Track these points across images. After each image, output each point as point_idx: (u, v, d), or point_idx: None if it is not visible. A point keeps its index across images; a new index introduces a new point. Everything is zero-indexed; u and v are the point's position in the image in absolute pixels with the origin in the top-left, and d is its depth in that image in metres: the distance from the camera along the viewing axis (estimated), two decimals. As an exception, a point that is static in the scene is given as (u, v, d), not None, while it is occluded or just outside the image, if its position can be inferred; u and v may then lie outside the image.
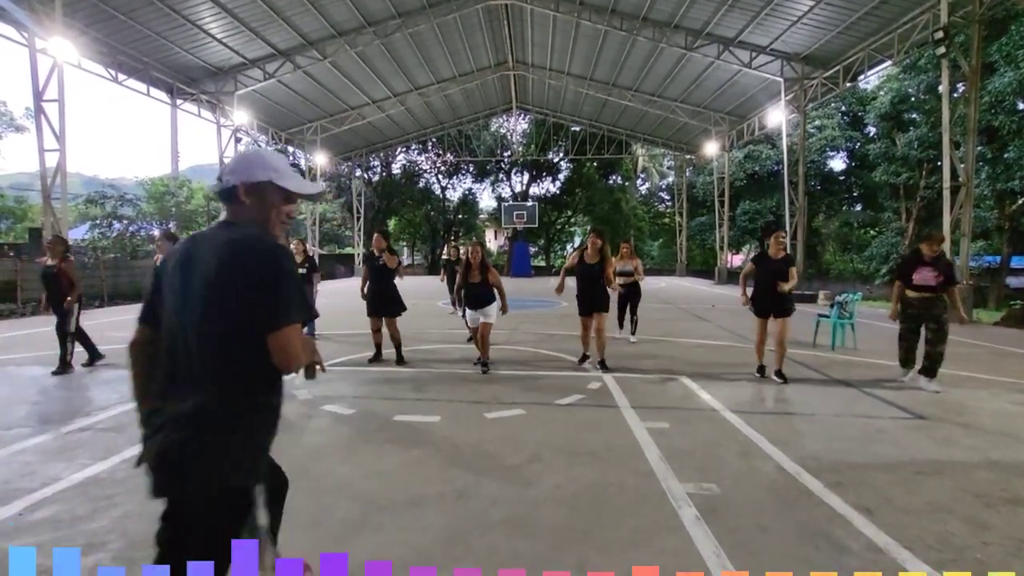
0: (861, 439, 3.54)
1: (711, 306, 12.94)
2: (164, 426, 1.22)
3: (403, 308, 5.88)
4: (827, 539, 2.27)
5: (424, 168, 36.29)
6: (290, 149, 24.51)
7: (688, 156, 27.95)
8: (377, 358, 5.89)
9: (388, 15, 16.23)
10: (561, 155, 33.36)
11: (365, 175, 32.63)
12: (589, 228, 7.05)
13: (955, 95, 12.16)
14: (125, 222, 17.40)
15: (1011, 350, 7.11)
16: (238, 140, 19.15)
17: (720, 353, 6.69)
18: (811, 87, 16.33)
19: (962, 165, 10.86)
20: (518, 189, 36.57)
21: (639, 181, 40.14)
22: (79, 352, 5.71)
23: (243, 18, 14.28)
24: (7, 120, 22.79)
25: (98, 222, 16.79)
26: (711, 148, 23.34)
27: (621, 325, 7.59)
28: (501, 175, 36.80)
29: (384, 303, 5.78)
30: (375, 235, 6.06)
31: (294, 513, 2.48)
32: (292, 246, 7.45)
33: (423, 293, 15.70)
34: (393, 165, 35.52)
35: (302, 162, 25.14)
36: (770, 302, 5.04)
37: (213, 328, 1.24)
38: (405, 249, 41.93)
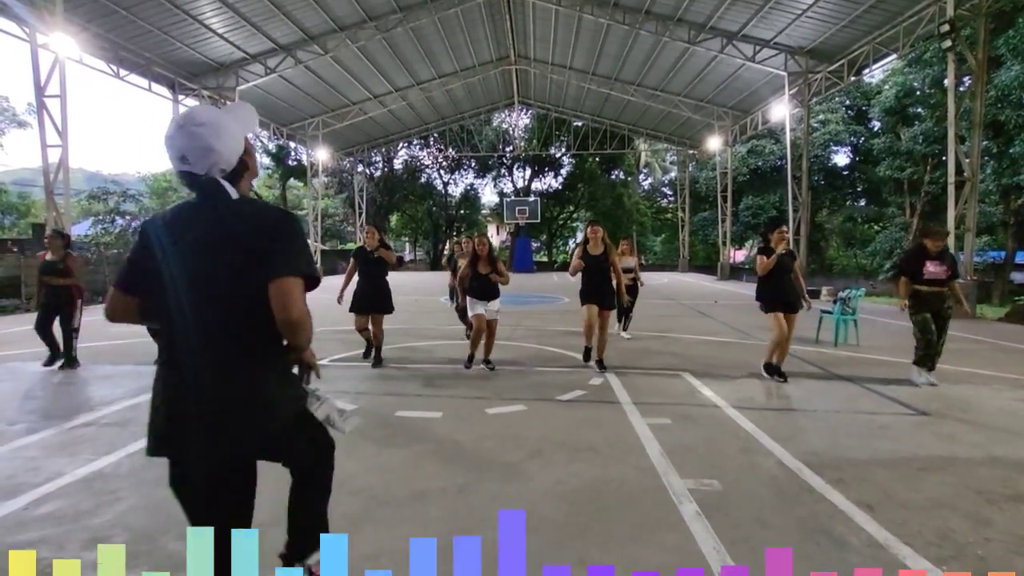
0: (863, 435, 3.53)
1: (714, 302, 12.92)
2: (219, 392, 1.31)
3: (393, 307, 5.74)
4: (828, 535, 2.27)
5: (426, 163, 36.27)
6: (292, 144, 24.49)
7: (691, 151, 27.83)
8: (370, 352, 5.70)
9: (389, 9, 16.16)
10: (563, 150, 33.30)
11: (367, 170, 32.61)
12: (586, 222, 6.82)
13: (961, 89, 12.05)
14: (128, 218, 17.47)
15: (1015, 346, 7.08)
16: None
17: (722, 349, 6.68)
18: (815, 81, 16.21)
19: (967, 160, 10.79)
20: (520, 184, 36.52)
21: (641, 176, 40.04)
22: (44, 349, 5.52)
23: (244, 13, 14.24)
24: (9, 116, 22.85)
25: (101, 218, 16.86)
26: (714, 143, 23.23)
27: (620, 322, 7.51)
28: (503, 170, 36.75)
29: (379, 299, 5.57)
30: (368, 228, 5.84)
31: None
32: None
33: (424, 290, 15.72)
34: (395, 160, 35.49)
35: (304, 158, 25.13)
36: (783, 296, 4.87)
37: (252, 287, 1.30)
38: (407, 245, 41.95)
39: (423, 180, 36.57)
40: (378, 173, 34.54)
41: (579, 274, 5.32)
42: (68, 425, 3.71)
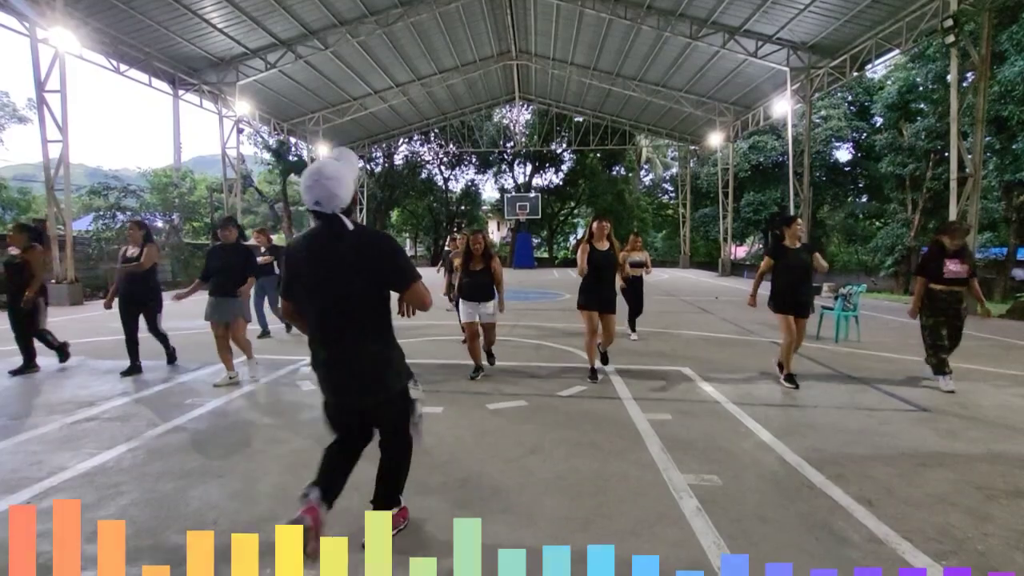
0: (864, 431, 3.53)
1: (715, 298, 12.91)
2: (350, 362, 1.92)
3: None
4: (828, 530, 2.28)
5: (427, 159, 36.15)
6: (292, 140, 24.43)
7: (692, 147, 27.73)
8: None
9: (390, 4, 16.09)
10: (564, 146, 33.20)
11: (367, 166, 32.55)
12: (592, 216, 6.07)
13: (964, 84, 11.99)
14: (129, 213, 17.44)
15: (1016, 343, 7.08)
16: (240, 131, 19.07)
17: (723, 345, 6.68)
18: (817, 77, 16.14)
19: (969, 156, 10.75)
20: (521, 180, 36.43)
21: (642, 172, 39.95)
22: (18, 359, 5.14)
23: (244, 7, 14.18)
24: (10, 111, 22.82)
25: (102, 213, 16.83)
26: (715, 139, 23.16)
27: (633, 328, 7.11)
28: (504, 166, 36.64)
29: None
30: None
31: (297, 501, 2.51)
32: (253, 237, 7.41)
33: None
34: (395, 156, 35.38)
35: (304, 153, 25.07)
36: (795, 297, 4.54)
37: (372, 291, 1.92)
38: (408, 241, 41.91)
39: (424, 176, 36.48)
40: (379, 169, 34.46)
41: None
42: (70, 420, 3.72)
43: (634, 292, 7.09)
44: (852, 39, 14.56)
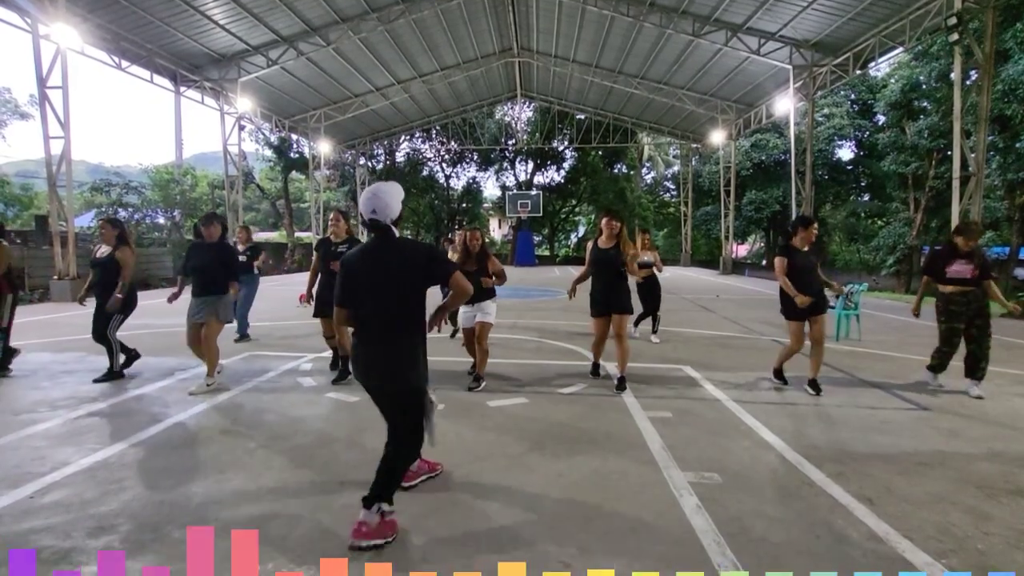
0: (864, 429, 3.54)
1: (716, 296, 12.91)
2: (380, 357, 2.22)
3: None
4: (828, 528, 2.28)
5: (428, 156, 36.08)
6: (293, 137, 24.41)
7: (694, 145, 27.67)
8: (337, 364, 4.96)
9: (392, 0, 16.05)
10: (566, 144, 33.09)
11: (369, 163, 32.51)
12: (602, 212, 5.72)
13: (967, 83, 11.94)
14: (131, 210, 17.47)
15: (1017, 342, 7.07)
16: (242, 128, 19.08)
17: (724, 343, 6.68)
18: (820, 75, 16.07)
19: (972, 155, 10.71)
20: (522, 178, 36.35)
21: (644, 170, 39.87)
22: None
23: (246, 4, 14.15)
24: (11, 107, 22.82)
25: (103, 210, 16.87)
26: (717, 137, 23.09)
27: (636, 324, 7.01)
28: (505, 164, 36.55)
29: None
30: (334, 215, 4.90)
31: (301, 497, 2.52)
32: (236, 234, 7.34)
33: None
34: (397, 153, 35.33)
35: (306, 150, 25.06)
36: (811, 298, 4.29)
37: (411, 294, 2.23)
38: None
39: (425, 173, 36.40)
40: (380, 166, 34.42)
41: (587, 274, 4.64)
42: (73, 415, 3.74)
43: (648, 292, 6.85)
44: (855, 37, 14.49)
